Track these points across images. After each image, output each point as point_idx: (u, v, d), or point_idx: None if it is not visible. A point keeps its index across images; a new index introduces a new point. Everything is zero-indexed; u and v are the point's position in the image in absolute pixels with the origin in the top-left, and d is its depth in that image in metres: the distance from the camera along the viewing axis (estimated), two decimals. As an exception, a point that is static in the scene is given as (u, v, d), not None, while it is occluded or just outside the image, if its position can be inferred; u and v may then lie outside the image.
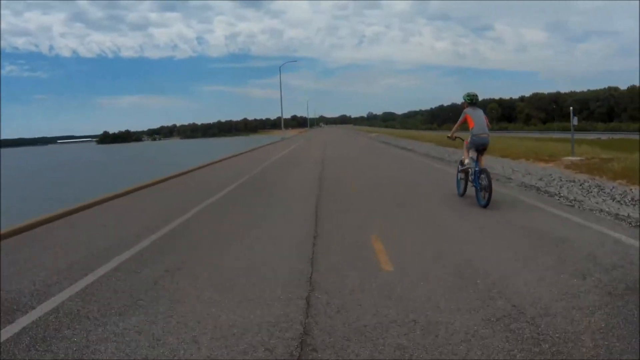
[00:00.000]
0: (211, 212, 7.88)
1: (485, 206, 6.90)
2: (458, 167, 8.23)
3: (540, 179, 9.56)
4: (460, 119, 7.54)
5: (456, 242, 5.10)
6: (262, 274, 4.20)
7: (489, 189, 6.90)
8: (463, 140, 7.92)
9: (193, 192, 10.92)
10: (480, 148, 7.36)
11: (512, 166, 12.53)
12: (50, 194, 19.39)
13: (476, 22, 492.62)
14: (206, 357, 2.72)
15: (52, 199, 15.77)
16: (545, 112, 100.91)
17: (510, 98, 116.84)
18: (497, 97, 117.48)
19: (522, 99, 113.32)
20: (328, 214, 7.13)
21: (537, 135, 42.39)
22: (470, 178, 7.58)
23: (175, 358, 2.72)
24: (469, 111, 7.38)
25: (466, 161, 7.70)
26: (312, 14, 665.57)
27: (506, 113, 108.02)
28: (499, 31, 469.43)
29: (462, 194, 7.96)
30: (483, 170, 7.11)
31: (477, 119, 7.29)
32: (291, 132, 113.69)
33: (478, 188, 7.18)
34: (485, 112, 7.46)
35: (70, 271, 4.57)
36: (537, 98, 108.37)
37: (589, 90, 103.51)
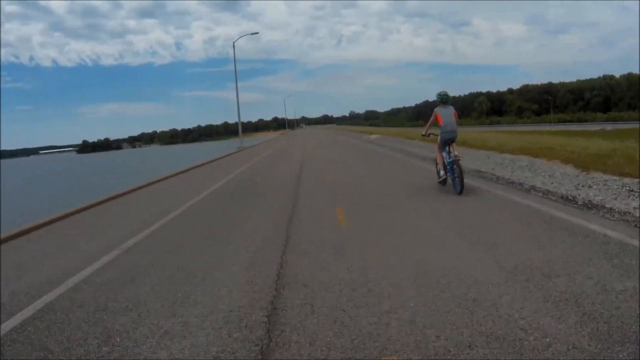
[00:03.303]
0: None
1: (459, 193, 7.61)
2: (436, 162, 9.00)
3: None
4: (432, 117, 8.26)
5: None
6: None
7: (460, 177, 7.67)
8: (437, 135, 8.65)
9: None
10: (449, 142, 8.12)
11: None
12: None
13: (454, 17, 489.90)
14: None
15: None
16: (537, 103, 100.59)
17: (498, 91, 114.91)
18: (484, 91, 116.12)
19: (510, 91, 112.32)
20: None
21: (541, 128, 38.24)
22: (446, 169, 8.39)
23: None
24: (439, 109, 8.13)
25: (443, 154, 8.48)
26: (290, 16, 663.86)
27: (495, 106, 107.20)
28: (476, 26, 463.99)
29: (444, 184, 8.70)
30: (455, 162, 7.83)
31: (445, 116, 8.03)
32: (271, 135, 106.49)
33: (453, 177, 7.95)
34: (455, 109, 8.19)
35: None
36: (527, 90, 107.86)
37: (578, 80, 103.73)
